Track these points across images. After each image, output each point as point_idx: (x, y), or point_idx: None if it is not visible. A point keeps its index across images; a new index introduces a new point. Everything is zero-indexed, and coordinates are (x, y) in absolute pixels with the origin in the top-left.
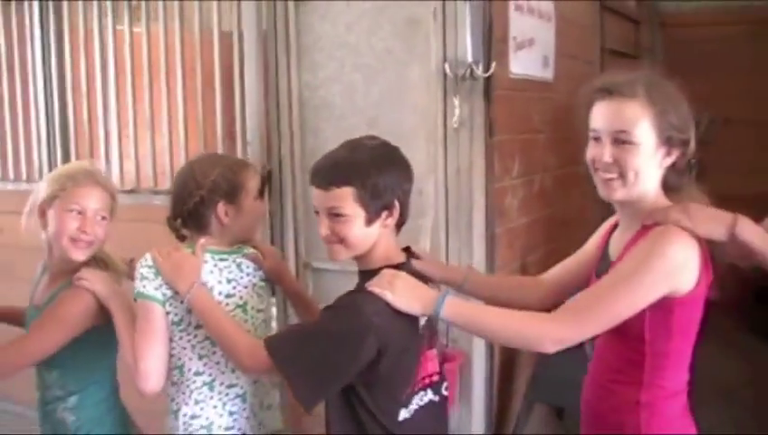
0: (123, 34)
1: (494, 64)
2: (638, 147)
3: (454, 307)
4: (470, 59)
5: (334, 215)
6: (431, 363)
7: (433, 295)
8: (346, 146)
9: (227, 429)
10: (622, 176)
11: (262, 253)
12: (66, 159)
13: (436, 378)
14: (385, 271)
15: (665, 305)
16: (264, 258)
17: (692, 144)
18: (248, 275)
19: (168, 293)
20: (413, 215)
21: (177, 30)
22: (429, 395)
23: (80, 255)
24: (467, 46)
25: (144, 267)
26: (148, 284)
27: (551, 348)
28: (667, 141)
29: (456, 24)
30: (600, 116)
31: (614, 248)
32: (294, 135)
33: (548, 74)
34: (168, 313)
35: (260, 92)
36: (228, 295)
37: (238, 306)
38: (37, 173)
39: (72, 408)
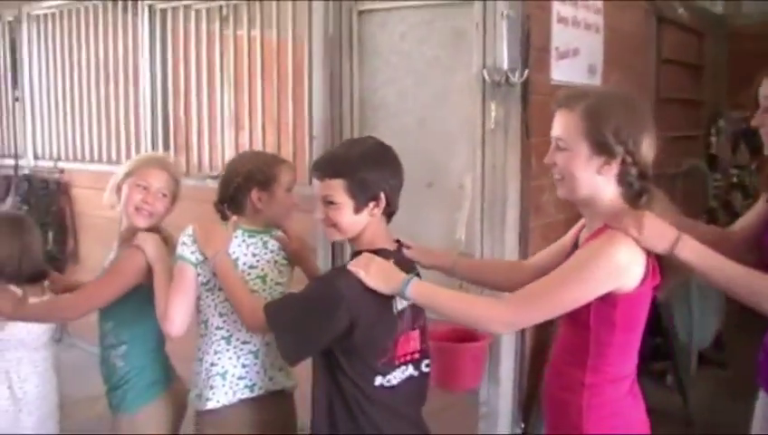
0: (214, 39)
1: (527, 72)
2: (571, 152)
3: (417, 289)
4: (506, 67)
5: (328, 202)
6: (413, 342)
7: (400, 278)
8: (345, 144)
9: (239, 378)
10: (563, 177)
11: (289, 237)
12: (166, 147)
13: (417, 356)
14: (365, 254)
15: (608, 300)
16: (290, 242)
17: (641, 156)
18: (272, 252)
19: (201, 258)
20: (452, 207)
21: (258, 35)
22: (410, 370)
23: (141, 222)
24: (504, 55)
25: (186, 235)
26: (186, 248)
27: (500, 329)
28: (603, 150)
29: (494, 35)
30: (553, 124)
31: (580, 242)
32: (354, 131)
33: (595, 82)
34: (198, 274)
35: (326, 92)
36: (251, 267)
37: (258, 277)
38: None
39: (121, 355)
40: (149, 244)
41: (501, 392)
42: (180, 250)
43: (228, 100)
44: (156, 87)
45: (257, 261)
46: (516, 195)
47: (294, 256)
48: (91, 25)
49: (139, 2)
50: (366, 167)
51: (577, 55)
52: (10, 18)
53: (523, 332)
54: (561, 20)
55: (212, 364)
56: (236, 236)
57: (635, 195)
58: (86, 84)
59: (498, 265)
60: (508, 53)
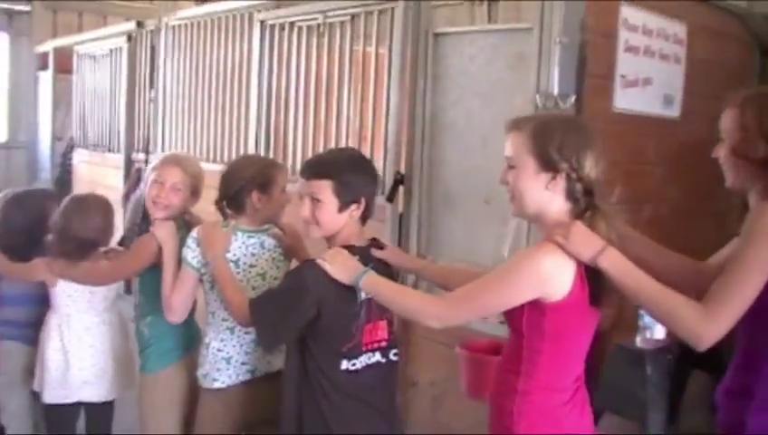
0: (312, 52)
1: (574, 98)
2: (518, 170)
3: (370, 281)
4: (556, 92)
5: (315, 200)
6: (381, 331)
7: (357, 270)
8: (331, 151)
9: (242, 363)
10: (513, 195)
11: (284, 233)
12: (267, 150)
13: (384, 344)
14: (334, 248)
15: (537, 308)
16: (285, 237)
17: (585, 172)
18: (269, 250)
19: (202, 261)
20: (506, 223)
21: (347, 53)
22: (377, 357)
23: (158, 213)
24: (555, 81)
25: (191, 238)
26: (189, 252)
27: (432, 323)
28: (548, 166)
29: (549, 61)
30: (505, 146)
31: None
32: (425, 147)
33: (671, 112)
34: (203, 273)
35: (402, 108)
36: (251, 266)
37: (258, 275)
38: None
39: (147, 324)
40: (160, 230)
41: None
42: (184, 253)
43: (320, 113)
44: (262, 95)
45: (256, 260)
46: None
47: (290, 250)
48: (215, 36)
49: (255, 16)
50: (351, 171)
51: (649, 85)
52: (152, 27)
53: None
54: (630, 49)
55: (218, 350)
56: (236, 239)
57: (581, 211)
58: (207, 89)
59: (463, 273)
60: (560, 79)
